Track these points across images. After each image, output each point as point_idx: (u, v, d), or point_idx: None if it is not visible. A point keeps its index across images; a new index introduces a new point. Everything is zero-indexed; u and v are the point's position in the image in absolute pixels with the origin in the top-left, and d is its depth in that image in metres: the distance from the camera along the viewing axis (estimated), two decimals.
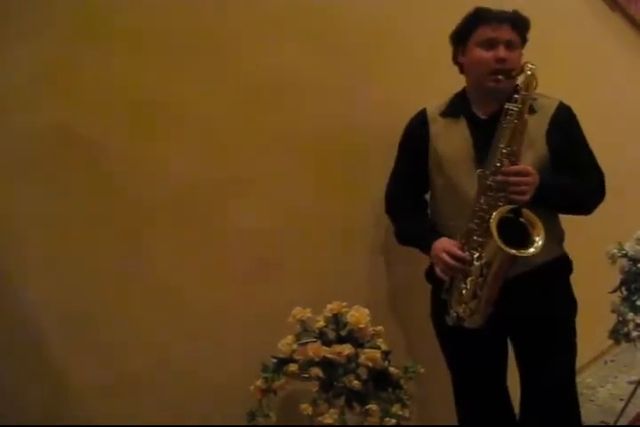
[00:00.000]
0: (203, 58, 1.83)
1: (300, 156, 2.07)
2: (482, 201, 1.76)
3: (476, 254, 1.76)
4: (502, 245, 1.67)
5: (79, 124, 1.59)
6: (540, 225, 1.70)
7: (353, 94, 2.21)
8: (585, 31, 3.71)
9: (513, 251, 1.68)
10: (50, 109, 1.54)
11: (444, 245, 1.84)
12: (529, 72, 1.72)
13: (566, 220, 2.00)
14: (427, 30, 2.36)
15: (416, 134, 2.01)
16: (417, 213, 2.02)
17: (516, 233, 1.70)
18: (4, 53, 1.48)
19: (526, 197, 1.73)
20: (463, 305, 1.82)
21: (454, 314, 1.85)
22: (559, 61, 3.24)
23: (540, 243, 1.69)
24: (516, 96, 1.73)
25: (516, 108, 1.72)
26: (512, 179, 1.72)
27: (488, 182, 1.75)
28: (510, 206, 1.72)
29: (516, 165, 1.74)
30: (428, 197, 2.06)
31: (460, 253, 1.79)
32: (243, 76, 1.91)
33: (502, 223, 1.70)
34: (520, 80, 1.75)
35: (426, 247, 1.91)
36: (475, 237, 1.77)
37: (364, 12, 2.25)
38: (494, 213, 1.71)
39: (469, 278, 1.78)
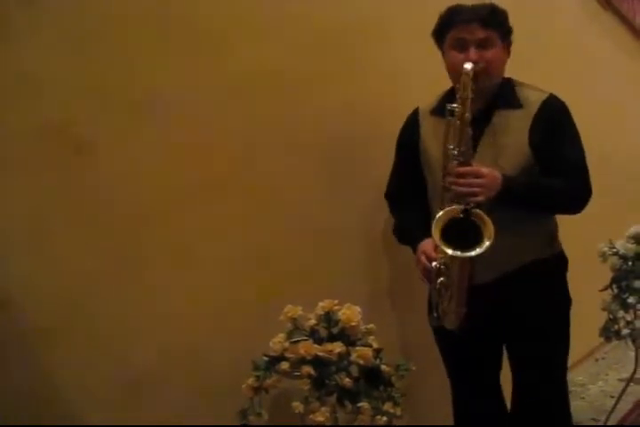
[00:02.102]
0: (198, 57, 1.82)
1: (295, 154, 2.07)
2: (443, 202, 1.77)
3: (441, 255, 1.78)
4: (442, 246, 1.69)
5: (71, 122, 1.58)
6: (489, 225, 1.68)
7: (346, 91, 2.21)
8: (578, 29, 3.72)
9: (452, 252, 1.69)
10: (42, 108, 1.53)
11: (424, 246, 1.86)
12: (463, 70, 1.69)
13: (557, 217, 2.00)
14: (418, 26, 2.36)
15: (409, 133, 2.01)
16: (413, 212, 2.01)
17: (471, 233, 1.70)
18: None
19: (479, 199, 1.70)
20: (439, 306, 1.85)
21: (435, 314, 1.88)
22: (552, 59, 3.25)
23: (487, 244, 1.66)
24: (457, 96, 1.71)
25: (457, 109, 1.70)
26: (461, 180, 1.71)
27: (442, 184, 1.76)
28: (459, 207, 1.71)
29: (468, 165, 1.73)
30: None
31: (432, 254, 1.81)
32: (237, 74, 1.90)
33: (455, 224, 1.71)
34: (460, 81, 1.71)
35: (414, 249, 1.93)
36: None
37: (354, 9, 2.25)
38: (439, 214, 1.72)
39: (435, 278, 1.81)
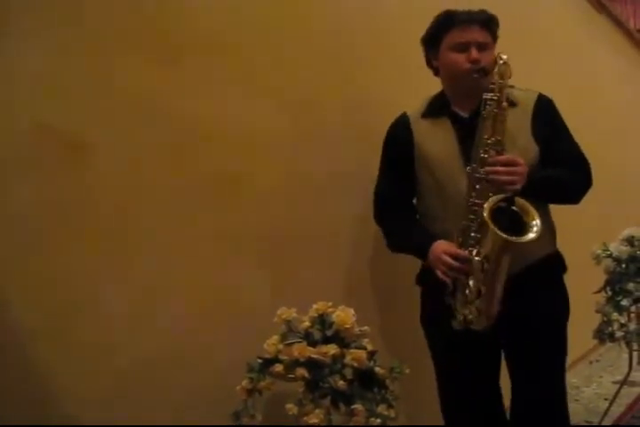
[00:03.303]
0: (197, 58, 1.82)
1: (288, 155, 2.07)
2: (473, 195, 1.75)
3: (475, 251, 1.74)
4: (499, 232, 1.66)
5: (66, 123, 1.57)
6: (533, 211, 1.69)
7: (345, 92, 2.21)
8: (573, 32, 3.74)
9: (511, 237, 1.66)
10: (37, 108, 1.53)
11: (442, 247, 1.81)
12: (501, 61, 1.72)
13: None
14: (411, 30, 2.37)
15: (399, 137, 1.98)
16: (407, 218, 2.00)
17: (510, 225, 1.69)
18: None
19: (517, 187, 1.72)
20: (469, 306, 1.79)
21: (461, 317, 1.82)
22: (547, 62, 3.26)
23: (539, 225, 1.68)
24: (492, 85, 1.73)
25: (494, 98, 1.72)
26: (501, 169, 1.72)
27: (476, 175, 1.75)
28: (501, 195, 1.71)
29: (502, 154, 1.74)
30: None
31: (460, 252, 1.76)
32: (235, 76, 1.91)
33: (495, 216, 1.69)
34: (495, 70, 1.74)
35: (422, 253, 1.88)
36: (471, 234, 1.75)
37: (354, 10, 2.25)
38: (485, 204, 1.70)
39: (471, 277, 1.76)
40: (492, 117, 1.73)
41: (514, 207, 1.71)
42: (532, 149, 1.86)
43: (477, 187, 1.75)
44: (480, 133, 1.75)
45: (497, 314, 1.78)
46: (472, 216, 1.75)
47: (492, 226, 1.67)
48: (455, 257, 1.76)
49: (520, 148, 1.84)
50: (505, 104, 1.73)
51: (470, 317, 1.80)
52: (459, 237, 1.79)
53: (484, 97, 1.74)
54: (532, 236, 1.68)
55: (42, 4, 1.54)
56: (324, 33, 2.18)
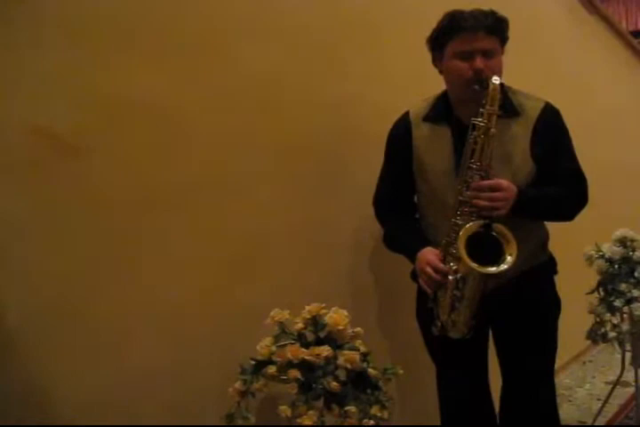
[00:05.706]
0: (187, 58, 1.81)
1: (282, 155, 2.07)
2: (457, 215, 1.75)
3: (454, 267, 1.75)
4: (472, 265, 1.68)
5: (63, 125, 1.57)
6: (512, 240, 1.69)
7: (335, 95, 2.21)
8: (564, 33, 3.74)
9: (483, 270, 1.68)
10: (34, 110, 1.52)
11: (427, 257, 1.81)
12: (492, 85, 1.67)
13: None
14: (405, 27, 2.37)
15: (399, 139, 1.97)
16: (405, 218, 2.00)
17: (491, 246, 1.70)
18: None
19: (501, 212, 1.71)
20: (446, 316, 1.82)
21: (439, 324, 1.85)
22: (538, 64, 3.27)
23: (511, 260, 1.68)
24: (481, 110, 1.69)
25: (482, 124, 1.69)
26: (483, 194, 1.71)
27: (460, 198, 1.74)
28: (480, 222, 1.71)
29: (487, 179, 1.72)
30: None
31: (441, 266, 1.77)
32: (225, 76, 1.90)
33: (477, 237, 1.70)
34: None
35: (412, 257, 1.90)
36: (452, 251, 1.76)
37: (341, 9, 2.25)
38: (461, 232, 1.71)
39: (448, 291, 1.78)
40: (479, 143, 1.70)
41: (493, 233, 1.71)
42: (527, 168, 1.83)
43: (461, 208, 1.75)
44: (465, 157, 1.74)
45: (472, 327, 1.80)
46: (454, 234, 1.75)
47: (465, 259, 1.68)
48: (436, 270, 1.78)
49: (514, 165, 1.82)
50: (493, 131, 1.69)
51: (446, 325, 1.84)
52: (442, 250, 1.80)
53: (472, 122, 1.71)
54: (504, 267, 1.68)
55: (40, 6, 1.53)
56: (312, 33, 2.18)
